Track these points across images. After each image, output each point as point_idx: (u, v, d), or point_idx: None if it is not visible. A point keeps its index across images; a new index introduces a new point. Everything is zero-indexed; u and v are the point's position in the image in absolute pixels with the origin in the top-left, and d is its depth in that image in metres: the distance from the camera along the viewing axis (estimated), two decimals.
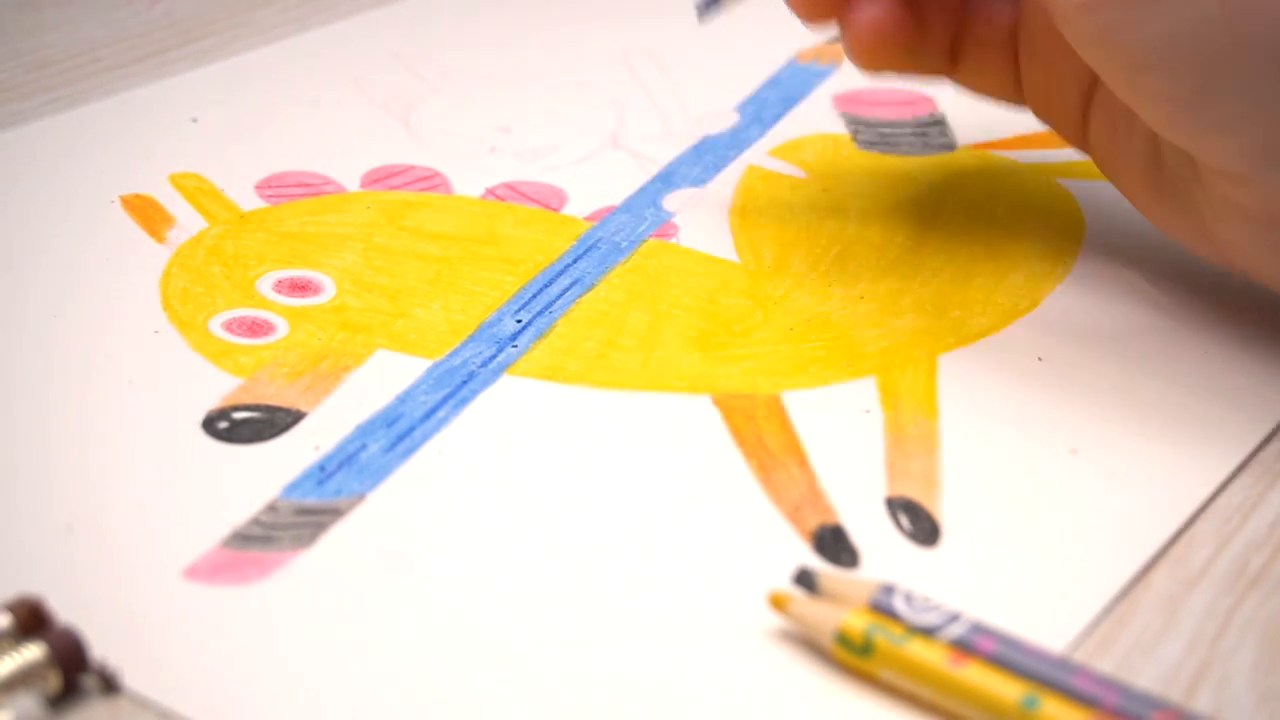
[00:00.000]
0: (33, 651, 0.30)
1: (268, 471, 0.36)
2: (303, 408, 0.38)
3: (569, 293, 0.43)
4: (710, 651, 0.32)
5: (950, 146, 0.49)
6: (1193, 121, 0.36)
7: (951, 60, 0.43)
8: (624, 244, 0.45)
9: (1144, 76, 0.36)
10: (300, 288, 0.42)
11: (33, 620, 0.31)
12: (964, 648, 0.30)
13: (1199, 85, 0.35)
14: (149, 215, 0.46)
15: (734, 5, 0.43)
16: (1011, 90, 0.43)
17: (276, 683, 0.31)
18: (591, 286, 0.43)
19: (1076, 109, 0.41)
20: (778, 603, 0.32)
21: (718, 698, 0.31)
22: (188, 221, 0.45)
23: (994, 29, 0.42)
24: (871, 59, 0.41)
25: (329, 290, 0.42)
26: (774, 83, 0.54)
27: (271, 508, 0.35)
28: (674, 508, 0.35)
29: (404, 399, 0.38)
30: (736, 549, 0.34)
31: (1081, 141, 0.42)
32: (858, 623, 0.31)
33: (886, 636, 0.31)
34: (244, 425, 0.37)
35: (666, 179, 0.48)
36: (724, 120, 0.52)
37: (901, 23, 0.41)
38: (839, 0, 0.41)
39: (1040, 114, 0.43)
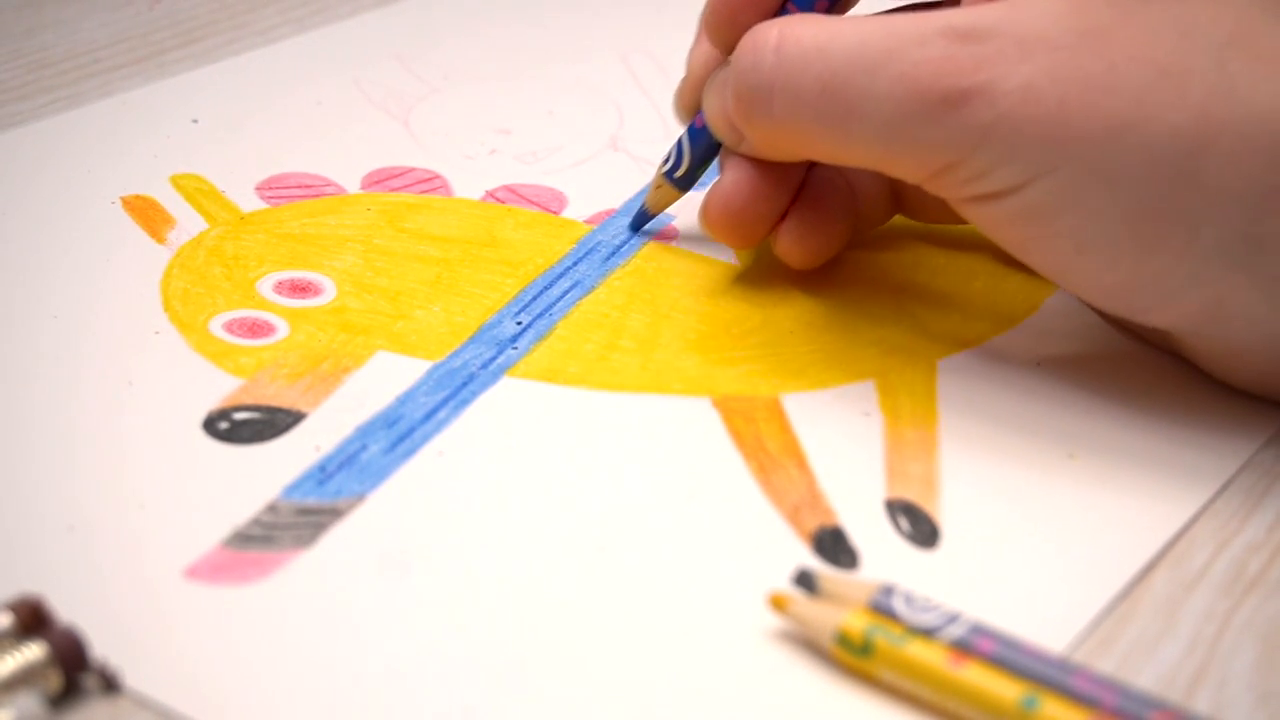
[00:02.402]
0: (33, 651, 0.30)
1: (268, 472, 0.36)
2: (303, 408, 0.38)
3: (569, 295, 0.43)
4: (710, 651, 0.32)
5: None
6: (1126, 304, 0.37)
7: (894, 206, 0.44)
8: (624, 247, 0.45)
9: (1069, 276, 0.37)
10: (301, 289, 0.42)
11: (33, 620, 0.31)
12: (963, 648, 0.31)
13: (1123, 278, 0.36)
14: (149, 216, 0.46)
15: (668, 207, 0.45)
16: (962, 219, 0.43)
17: (276, 683, 0.31)
18: (591, 289, 0.43)
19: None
20: (778, 603, 0.32)
21: (718, 698, 0.31)
22: (188, 222, 0.45)
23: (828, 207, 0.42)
24: (809, 265, 0.42)
25: (329, 292, 0.42)
26: None
27: (272, 508, 0.35)
28: (674, 509, 0.36)
29: (404, 400, 0.38)
30: (736, 550, 0.34)
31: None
32: (857, 623, 0.31)
33: (886, 637, 0.31)
34: (244, 426, 0.37)
35: None
36: None
37: (828, 227, 0.42)
38: (766, 223, 0.41)
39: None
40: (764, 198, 0.41)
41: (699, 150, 0.43)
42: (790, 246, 0.42)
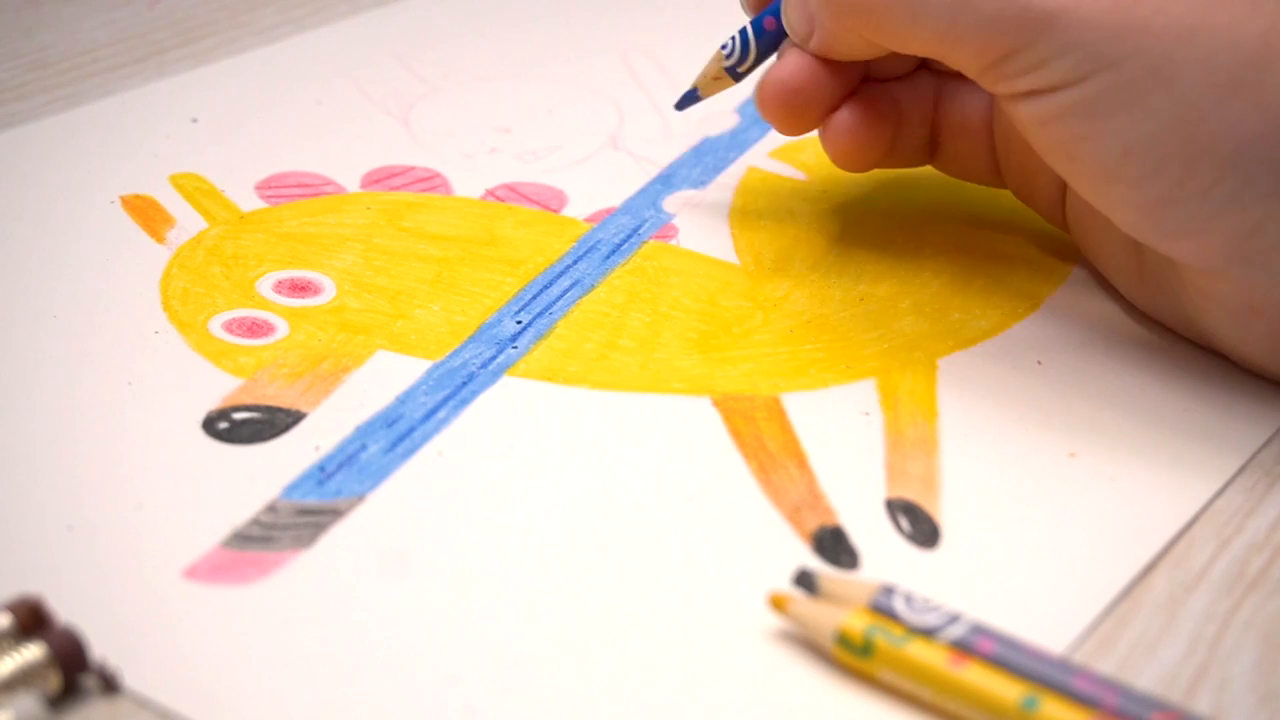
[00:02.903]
0: (33, 651, 0.30)
1: (268, 472, 0.36)
2: (303, 408, 0.38)
3: (569, 294, 0.43)
4: (710, 651, 0.32)
5: None
6: (1161, 225, 0.37)
7: (930, 151, 0.44)
8: (624, 246, 0.45)
9: (1109, 185, 0.37)
10: (300, 288, 0.42)
11: (33, 620, 0.31)
12: (964, 649, 0.31)
13: (1164, 191, 0.36)
14: (149, 215, 0.46)
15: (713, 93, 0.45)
16: (991, 177, 0.44)
17: (276, 683, 0.31)
18: (591, 288, 0.43)
19: (1055, 196, 0.42)
20: (778, 604, 0.32)
21: (718, 698, 0.31)
22: (188, 222, 0.45)
23: (968, 122, 0.43)
24: (850, 162, 0.43)
25: (329, 291, 0.42)
26: None
27: (271, 508, 0.35)
28: (674, 509, 0.35)
29: (404, 400, 0.38)
30: (736, 550, 0.34)
31: (1063, 226, 0.43)
32: (858, 623, 0.31)
33: (886, 637, 0.31)
34: (244, 426, 0.37)
35: (666, 180, 0.48)
36: (724, 121, 0.52)
37: (876, 125, 0.42)
38: (817, 111, 0.42)
39: (1022, 198, 0.44)
40: (820, 84, 0.42)
41: (764, 47, 0.44)
42: (838, 136, 0.42)
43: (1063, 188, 0.42)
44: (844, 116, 0.42)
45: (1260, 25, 0.35)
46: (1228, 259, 0.36)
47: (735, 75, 0.44)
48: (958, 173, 0.45)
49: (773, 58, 0.43)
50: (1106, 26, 0.35)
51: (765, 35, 0.43)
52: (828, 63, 0.41)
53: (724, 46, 0.44)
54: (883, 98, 0.43)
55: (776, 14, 0.43)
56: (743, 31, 0.44)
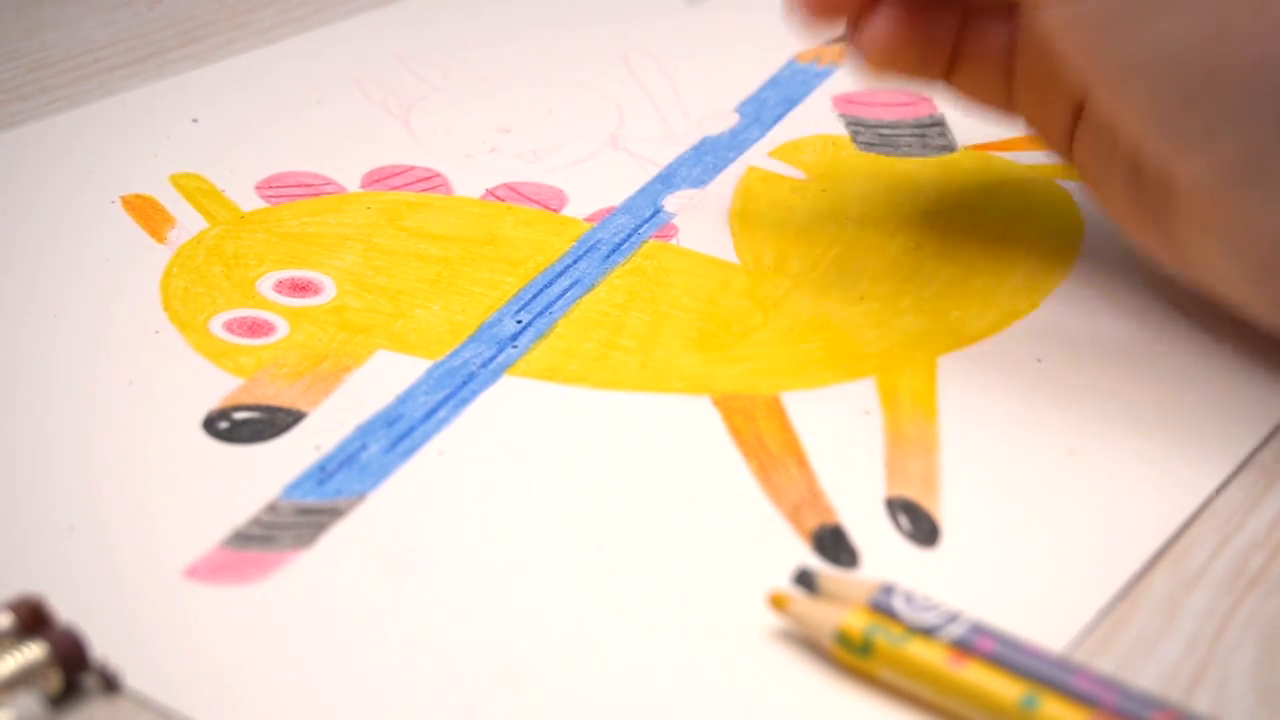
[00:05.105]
0: (33, 651, 0.30)
1: (268, 471, 0.36)
2: (303, 408, 0.38)
3: (569, 293, 0.43)
4: (710, 651, 0.32)
5: (950, 148, 0.50)
6: (1171, 134, 0.37)
7: (949, 69, 0.44)
8: (624, 245, 0.45)
9: (1126, 88, 0.37)
10: (301, 288, 0.43)
11: (33, 620, 0.31)
12: (964, 647, 0.31)
13: (1178, 100, 0.36)
14: (149, 215, 0.46)
15: None
16: (1004, 100, 0.44)
17: (276, 683, 0.31)
18: (591, 287, 0.43)
19: (1065, 123, 0.42)
20: (778, 603, 0.32)
21: (718, 698, 0.31)
22: (188, 222, 0.45)
23: (990, 44, 0.43)
24: (884, 65, 0.42)
25: (329, 291, 0.42)
26: (774, 83, 0.54)
27: (272, 508, 0.35)
28: (674, 508, 0.36)
29: (404, 399, 0.38)
30: (736, 549, 0.34)
31: (1067, 153, 0.43)
32: (857, 622, 0.31)
33: (886, 636, 0.31)
34: (244, 425, 0.37)
35: (666, 180, 0.48)
36: (724, 121, 0.52)
37: (910, 35, 0.42)
38: (849, 6, 0.42)
39: (1032, 126, 0.43)
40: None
41: None
42: (875, 41, 0.41)
43: (1072, 122, 0.42)
44: (880, 23, 0.41)
45: None
46: (1227, 178, 0.36)
47: None
48: (971, 94, 0.44)
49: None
50: None
51: None
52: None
53: None
54: (914, 8, 0.42)
55: None
56: None
